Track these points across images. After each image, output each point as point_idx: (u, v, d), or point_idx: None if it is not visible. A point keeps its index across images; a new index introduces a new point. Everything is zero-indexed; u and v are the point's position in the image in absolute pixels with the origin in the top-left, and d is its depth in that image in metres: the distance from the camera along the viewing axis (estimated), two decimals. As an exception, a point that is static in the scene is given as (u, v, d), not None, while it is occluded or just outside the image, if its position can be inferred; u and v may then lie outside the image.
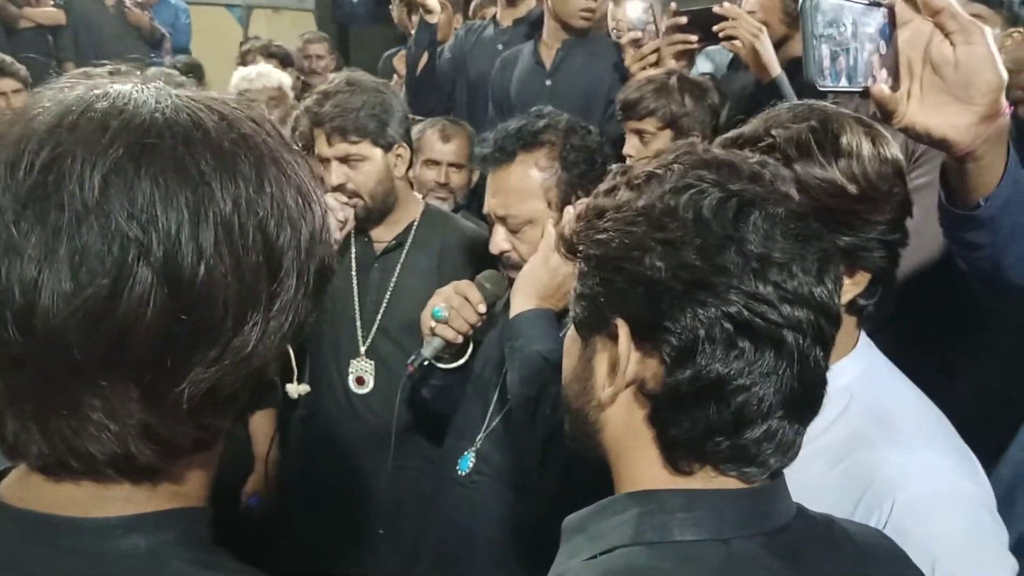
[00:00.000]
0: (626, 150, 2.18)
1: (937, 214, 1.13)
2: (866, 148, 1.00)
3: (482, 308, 1.59)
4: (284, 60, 4.50)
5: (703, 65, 2.70)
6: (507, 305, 1.73)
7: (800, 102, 1.09)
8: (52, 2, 5.40)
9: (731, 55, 2.50)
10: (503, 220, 1.58)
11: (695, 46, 2.26)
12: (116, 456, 0.55)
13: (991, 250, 1.13)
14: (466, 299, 1.60)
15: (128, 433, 0.55)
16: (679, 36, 2.23)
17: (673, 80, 2.14)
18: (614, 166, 0.92)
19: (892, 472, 0.94)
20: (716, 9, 2.13)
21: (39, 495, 0.58)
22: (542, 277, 1.48)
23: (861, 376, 1.00)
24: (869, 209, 1.00)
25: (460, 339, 1.62)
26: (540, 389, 1.40)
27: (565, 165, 1.54)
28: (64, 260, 0.50)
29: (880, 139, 1.03)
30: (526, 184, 1.54)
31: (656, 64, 2.29)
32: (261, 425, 2.30)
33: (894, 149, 1.04)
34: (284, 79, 3.12)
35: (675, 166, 0.74)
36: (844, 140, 1.00)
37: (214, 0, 7.31)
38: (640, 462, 0.74)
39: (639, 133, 2.14)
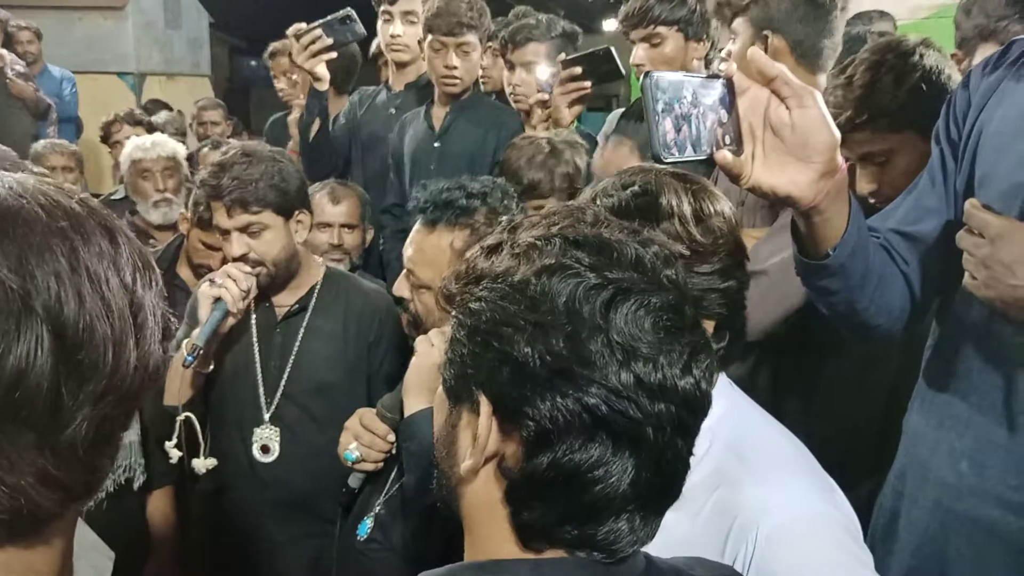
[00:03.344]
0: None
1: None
2: (687, 207, 1.06)
3: (391, 437, 1.57)
4: (150, 128, 4.43)
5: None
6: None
7: (630, 167, 1.15)
8: (-68, 77, 5.22)
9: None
10: (409, 272, 1.59)
11: (588, 90, 2.39)
12: (14, 510, 0.56)
13: (845, 294, 1.23)
14: (374, 434, 1.58)
15: (25, 482, 0.56)
16: (574, 85, 2.36)
17: None
18: (504, 218, 0.94)
19: (752, 505, 0.96)
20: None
21: None
22: (430, 374, 1.46)
23: (722, 416, 1.01)
24: (696, 262, 1.05)
25: (380, 466, 1.61)
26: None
27: None
28: None
29: (703, 194, 1.09)
30: (436, 255, 1.55)
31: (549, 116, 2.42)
32: (159, 506, 2.23)
33: (719, 204, 1.10)
34: (179, 148, 3.10)
35: (557, 240, 0.73)
36: (664, 201, 1.06)
37: (105, 68, 7.18)
38: (493, 534, 0.74)
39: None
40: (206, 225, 2.34)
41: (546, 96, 2.48)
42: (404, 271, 1.62)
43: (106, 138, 4.43)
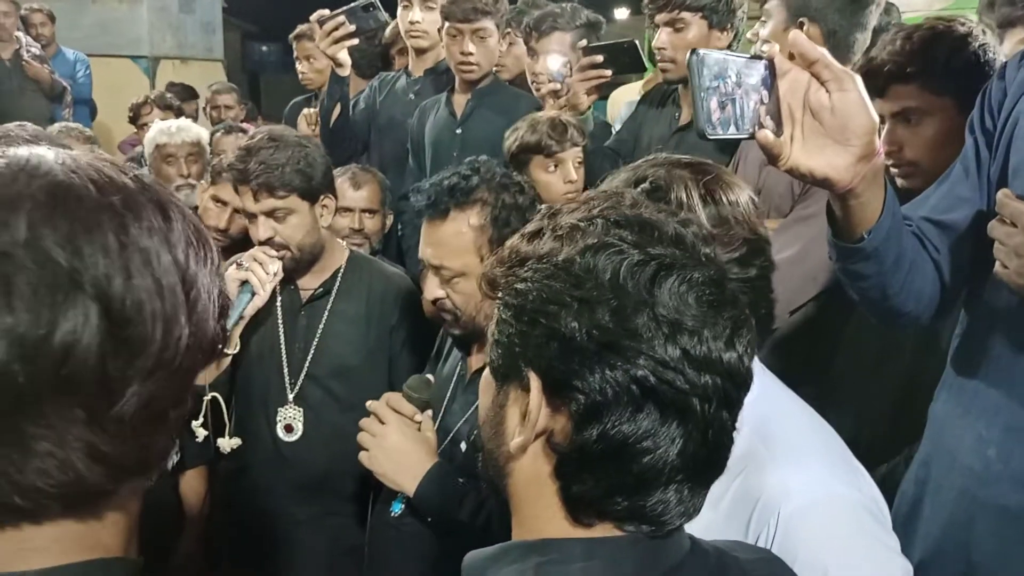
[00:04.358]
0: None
1: (821, 242, 1.24)
2: (696, 199, 1.07)
3: (418, 418, 1.58)
4: (179, 112, 4.44)
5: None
6: (445, 356, 1.77)
7: (640, 161, 1.15)
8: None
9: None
10: (437, 270, 1.60)
11: (608, 79, 2.41)
12: (65, 484, 0.57)
13: (878, 279, 1.23)
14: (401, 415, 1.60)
15: (75, 457, 0.57)
16: (593, 72, 2.37)
17: None
18: (543, 206, 0.95)
19: (774, 487, 0.96)
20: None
21: None
22: (399, 460, 1.52)
23: (754, 400, 0.97)
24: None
25: None
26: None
27: (496, 224, 1.57)
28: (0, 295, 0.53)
29: (715, 184, 1.09)
30: (459, 241, 1.57)
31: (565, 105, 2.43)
32: (193, 486, 2.26)
33: (733, 193, 1.10)
34: (203, 134, 3.11)
35: (599, 220, 0.74)
36: (673, 196, 1.06)
37: (119, 52, 7.19)
38: (542, 512, 0.75)
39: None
40: (219, 179, 2.36)
41: (557, 86, 2.49)
42: (430, 273, 1.62)
43: (135, 119, 4.44)
